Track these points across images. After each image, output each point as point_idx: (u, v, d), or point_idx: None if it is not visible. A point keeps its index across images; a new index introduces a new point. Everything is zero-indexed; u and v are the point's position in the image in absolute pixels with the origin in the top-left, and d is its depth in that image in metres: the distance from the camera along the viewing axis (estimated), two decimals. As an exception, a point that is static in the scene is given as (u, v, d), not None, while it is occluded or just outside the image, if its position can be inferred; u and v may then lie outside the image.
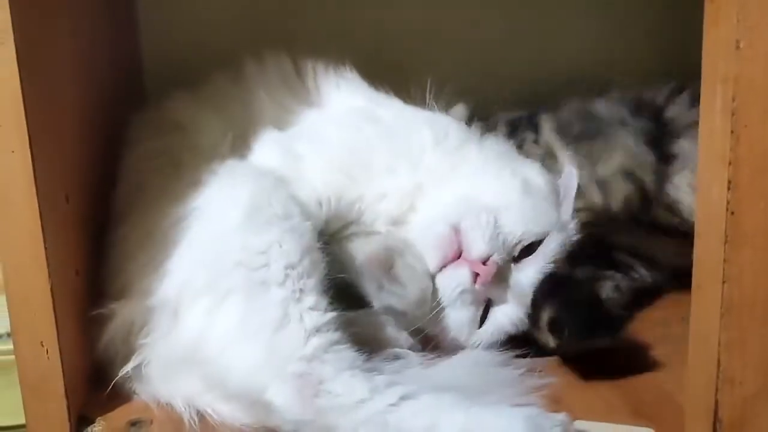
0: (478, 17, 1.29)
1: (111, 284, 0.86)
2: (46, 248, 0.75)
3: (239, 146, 0.94)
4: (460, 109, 1.06)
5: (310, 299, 0.78)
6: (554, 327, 0.85)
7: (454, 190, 0.93)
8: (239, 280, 0.78)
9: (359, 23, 1.26)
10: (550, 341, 0.86)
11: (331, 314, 0.79)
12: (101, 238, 0.90)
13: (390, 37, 1.26)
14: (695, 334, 0.68)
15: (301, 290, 0.78)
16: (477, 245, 0.88)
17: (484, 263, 0.87)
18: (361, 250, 0.92)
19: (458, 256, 0.89)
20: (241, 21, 1.24)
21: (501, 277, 0.89)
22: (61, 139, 0.81)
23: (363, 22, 1.26)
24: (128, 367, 0.82)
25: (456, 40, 1.28)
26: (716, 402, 0.66)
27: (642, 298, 1.04)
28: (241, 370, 0.76)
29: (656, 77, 1.17)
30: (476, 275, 0.88)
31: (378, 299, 0.89)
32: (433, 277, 0.90)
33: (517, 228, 0.90)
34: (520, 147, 1.04)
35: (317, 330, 0.77)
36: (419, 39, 1.27)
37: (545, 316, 0.86)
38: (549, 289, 0.89)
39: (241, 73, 1.03)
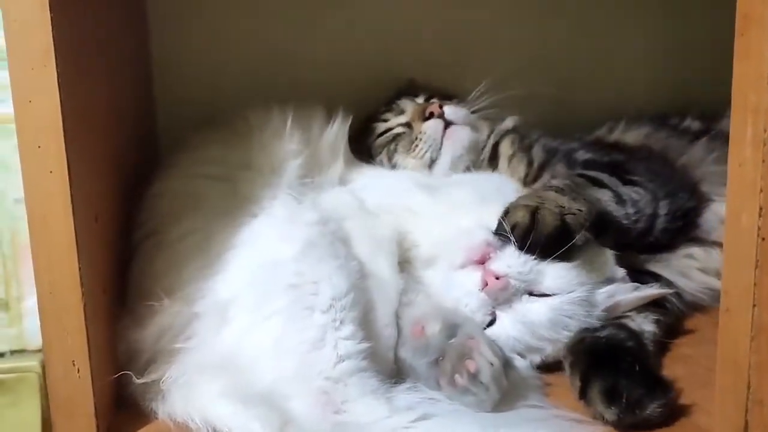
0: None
1: (156, 283, 0.87)
2: (80, 267, 0.75)
3: (304, 176, 0.98)
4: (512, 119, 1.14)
5: (348, 329, 0.84)
6: (610, 398, 0.81)
7: None
8: (287, 302, 0.83)
9: (366, 51, 1.28)
10: (607, 414, 0.81)
11: (364, 345, 0.84)
12: (126, 258, 0.91)
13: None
14: (723, 357, 0.70)
15: (341, 321, 0.84)
16: (501, 262, 0.91)
17: (498, 278, 0.90)
18: (413, 319, 0.91)
19: (481, 262, 0.92)
20: (248, 45, 1.26)
21: (510, 299, 0.91)
22: (93, 160, 0.82)
23: (371, 49, 1.28)
24: (157, 374, 0.83)
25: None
26: (746, 423, 0.68)
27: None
28: (270, 378, 0.81)
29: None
30: (486, 283, 0.90)
31: (447, 393, 0.84)
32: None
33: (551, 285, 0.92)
34: None
35: (348, 357, 0.82)
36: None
37: (596, 387, 0.83)
38: (593, 357, 0.87)
39: (336, 119, 1.07)
